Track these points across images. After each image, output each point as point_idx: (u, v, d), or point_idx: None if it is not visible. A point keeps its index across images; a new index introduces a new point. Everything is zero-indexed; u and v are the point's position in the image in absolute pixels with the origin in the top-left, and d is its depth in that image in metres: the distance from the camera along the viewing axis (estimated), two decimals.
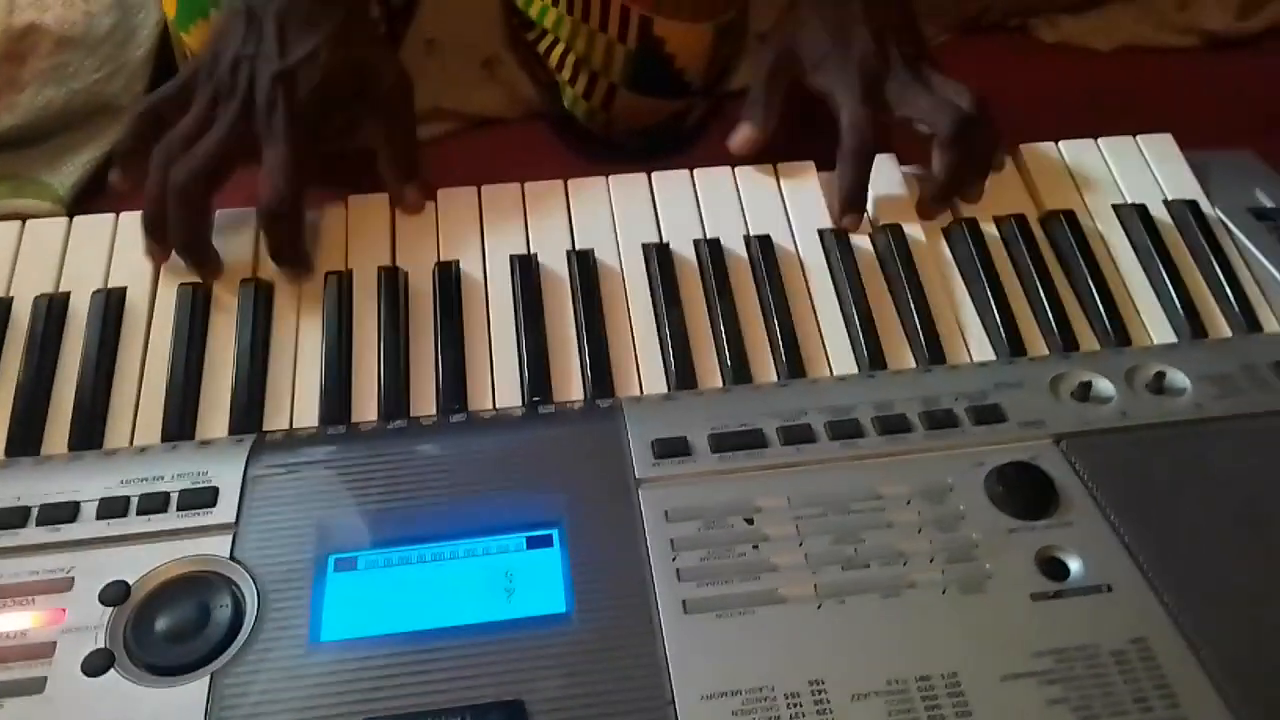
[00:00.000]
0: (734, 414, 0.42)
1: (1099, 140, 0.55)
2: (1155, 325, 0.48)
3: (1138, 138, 0.55)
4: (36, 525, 0.38)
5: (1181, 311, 0.48)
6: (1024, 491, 0.39)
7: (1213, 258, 0.50)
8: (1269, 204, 0.53)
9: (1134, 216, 0.51)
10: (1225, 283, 0.49)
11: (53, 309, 0.46)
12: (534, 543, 0.38)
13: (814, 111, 0.53)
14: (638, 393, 0.45)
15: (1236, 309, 0.48)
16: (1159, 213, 0.52)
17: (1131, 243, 0.51)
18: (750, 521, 0.38)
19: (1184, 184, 0.53)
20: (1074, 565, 0.37)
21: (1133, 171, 0.53)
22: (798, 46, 0.53)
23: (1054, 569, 0.37)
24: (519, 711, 0.33)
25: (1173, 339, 0.47)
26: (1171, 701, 0.33)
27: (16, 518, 0.38)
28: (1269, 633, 0.35)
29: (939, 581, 0.36)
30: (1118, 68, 0.72)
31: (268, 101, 0.46)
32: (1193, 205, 0.51)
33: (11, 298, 0.46)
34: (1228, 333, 0.48)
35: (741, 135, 0.53)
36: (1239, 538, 0.38)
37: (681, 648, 0.34)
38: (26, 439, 0.42)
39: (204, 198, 0.46)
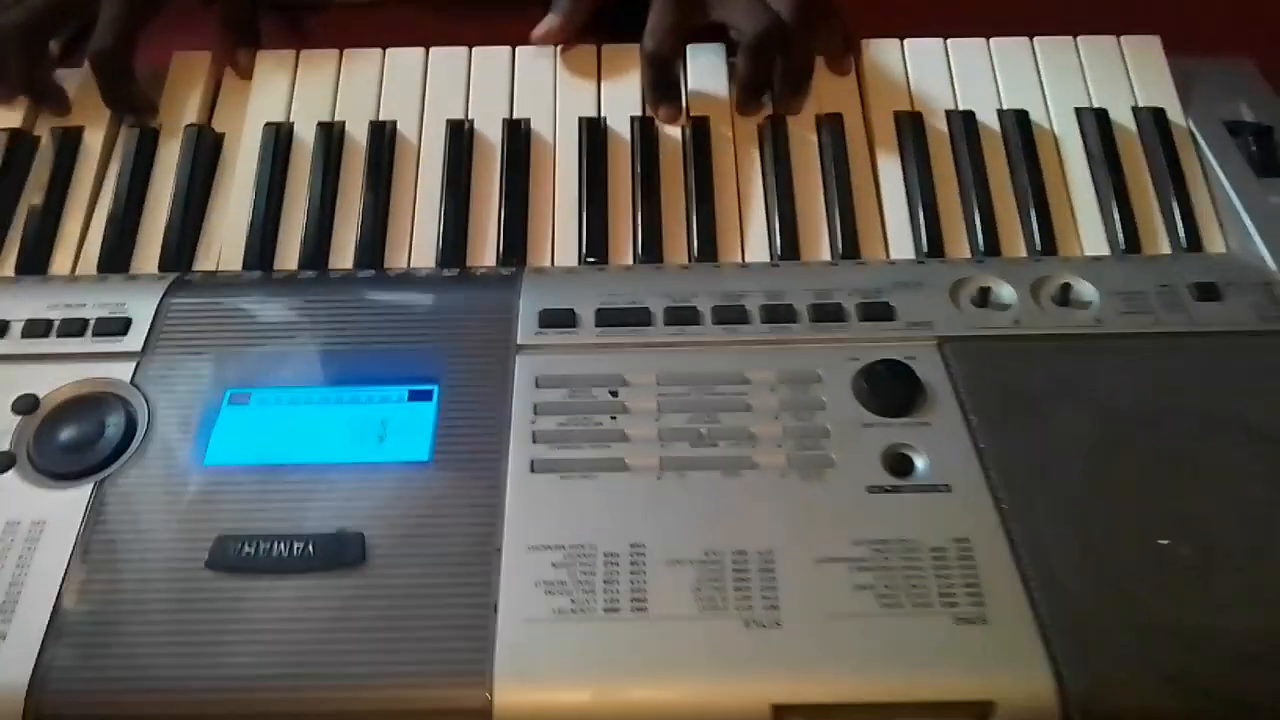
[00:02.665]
0: (628, 292, 0.43)
1: (1078, 39, 0.52)
2: (1090, 236, 0.46)
3: (1121, 39, 0.52)
4: None
5: (1119, 224, 0.46)
6: (888, 389, 0.39)
7: (1167, 171, 0.47)
8: (1250, 118, 0.50)
9: (1092, 121, 0.49)
10: (1174, 198, 0.47)
11: (20, 144, 0.49)
12: (415, 395, 0.40)
13: None
14: (548, 264, 0.46)
15: (1180, 226, 0.46)
16: (1123, 119, 0.49)
17: (1086, 148, 0.49)
18: (615, 394, 0.39)
19: (1158, 91, 0.50)
20: (920, 464, 0.38)
21: (1107, 74, 0.51)
22: None
23: (899, 465, 0.38)
24: (358, 542, 0.36)
25: (1105, 251, 0.46)
26: (976, 600, 0.34)
27: None
28: (1095, 551, 0.35)
29: (780, 466, 0.37)
30: None
31: None
32: (1158, 113, 0.49)
33: None
34: (1168, 250, 0.46)
35: (543, 28, 0.51)
36: (1094, 456, 0.38)
37: (519, 503, 0.37)
38: None
39: (37, 39, 0.49)
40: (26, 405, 0.39)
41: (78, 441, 0.38)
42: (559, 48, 0.52)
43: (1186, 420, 0.39)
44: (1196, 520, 0.37)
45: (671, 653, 0.33)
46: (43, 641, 0.33)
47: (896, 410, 0.39)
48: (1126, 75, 0.51)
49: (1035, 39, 0.52)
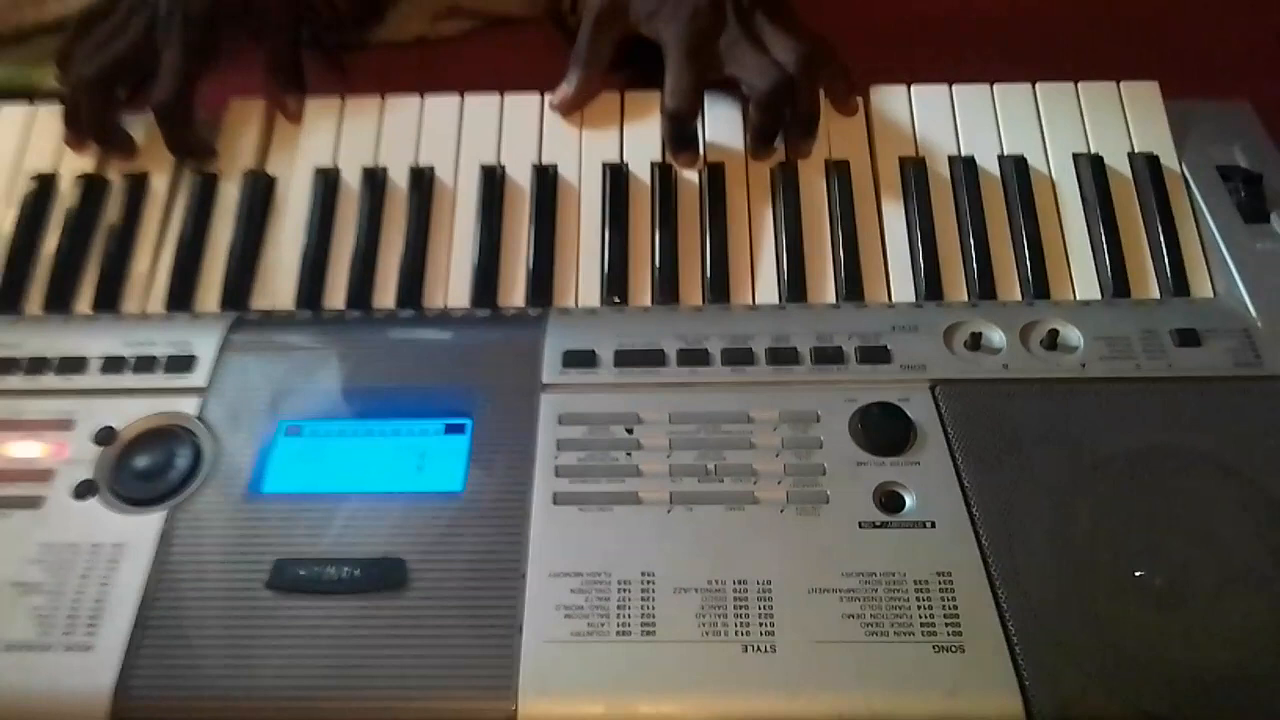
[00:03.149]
0: (644, 333, 0.47)
1: (1079, 85, 0.54)
2: (1082, 280, 0.49)
3: (1121, 84, 0.54)
4: (55, 374, 0.46)
5: (1110, 269, 0.49)
6: (882, 430, 0.43)
7: (1158, 216, 0.50)
8: (1242, 163, 0.52)
9: (1088, 167, 0.51)
10: (1164, 243, 0.49)
11: (89, 190, 0.53)
12: (450, 429, 0.45)
13: None
14: (573, 304, 0.50)
15: (1169, 271, 0.49)
16: (1118, 165, 0.52)
17: (1082, 194, 0.51)
18: (630, 431, 0.43)
19: (1154, 137, 0.53)
20: (909, 501, 0.41)
21: (1105, 120, 0.53)
22: None
23: (890, 502, 0.41)
24: (399, 567, 0.40)
25: (1096, 295, 0.49)
26: (955, 630, 0.38)
27: (40, 366, 0.46)
28: (1069, 583, 0.39)
29: (779, 501, 0.41)
30: None
31: (167, 13, 0.52)
32: (1152, 160, 0.51)
33: (56, 174, 0.54)
34: (1156, 294, 0.49)
35: (560, 94, 0.55)
36: (1072, 494, 0.41)
37: (543, 532, 0.41)
38: (59, 300, 0.50)
39: (106, 92, 0.53)
40: (105, 437, 0.44)
41: (151, 471, 0.43)
42: None
43: (1161, 461, 0.42)
44: (1167, 556, 0.40)
45: (676, 673, 0.37)
46: (124, 652, 0.38)
47: (889, 450, 0.42)
48: (1124, 121, 0.53)
49: (1037, 85, 0.54)
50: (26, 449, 0.44)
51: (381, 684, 0.38)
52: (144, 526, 0.41)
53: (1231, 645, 0.38)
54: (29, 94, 0.66)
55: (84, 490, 0.43)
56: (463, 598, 0.39)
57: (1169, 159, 0.52)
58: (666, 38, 0.52)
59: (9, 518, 0.42)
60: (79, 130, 0.54)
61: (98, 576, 0.40)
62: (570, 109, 0.55)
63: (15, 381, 0.46)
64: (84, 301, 0.51)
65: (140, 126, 0.55)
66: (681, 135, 0.52)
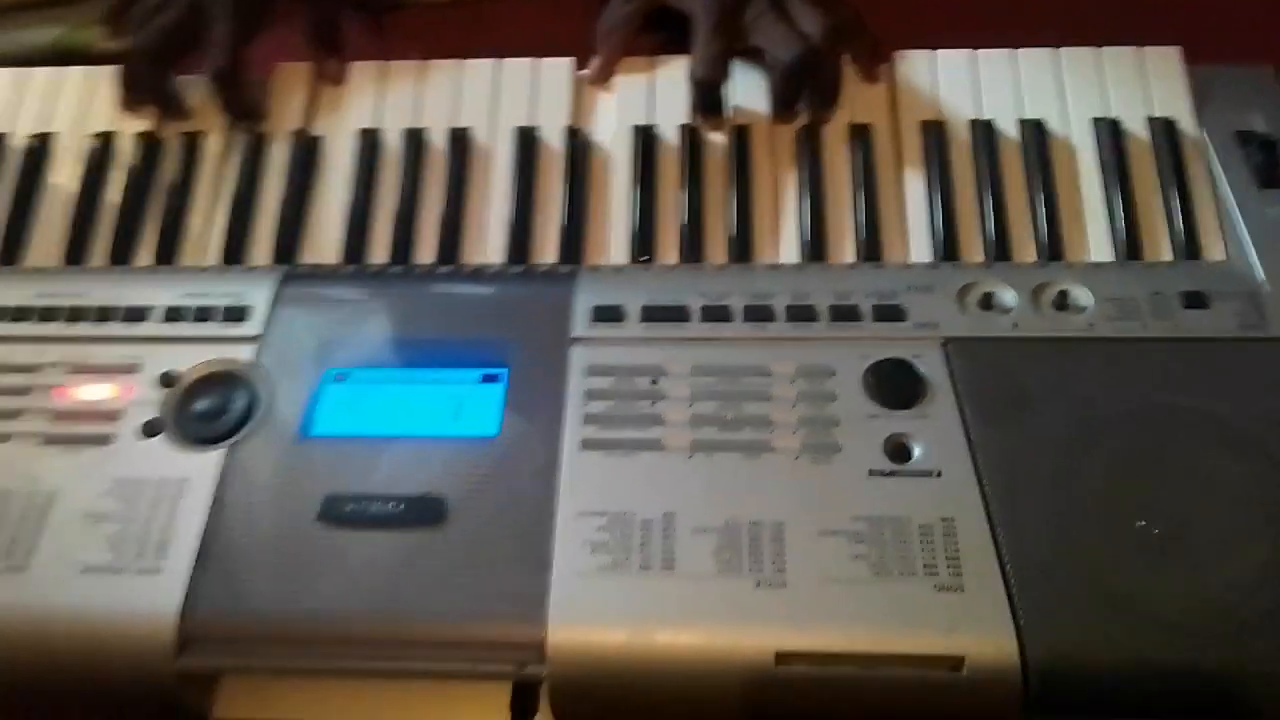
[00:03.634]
0: (670, 290, 0.49)
1: (1102, 50, 0.55)
2: (1097, 243, 0.51)
3: (1144, 50, 0.55)
4: (121, 321, 0.50)
5: (1124, 231, 0.50)
6: (894, 384, 0.45)
7: (1174, 180, 0.51)
8: (1261, 129, 0.53)
9: (1106, 131, 0.53)
10: (1177, 207, 0.51)
11: (148, 150, 0.56)
12: (487, 378, 0.48)
13: None
14: (602, 261, 0.52)
15: (1181, 234, 0.50)
16: (1137, 129, 0.53)
17: (1099, 158, 0.53)
18: (655, 382, 0.46)
19: (1173, 102, 0.54)
20: (917, 451, 0.43)
21: (1126, 84, 0.54)
22: None
23: (898, 453, 0.43)
24: (439, 503, 0.43)
25: (1110, 257, 0.50)
26: (955, 571, 0.40)
27: (106, 314, 0.50)
28: (1066, 531, 0.41)
29: (794, 449, 0.43)
30: None
31: None
32: (1168, 124, 0.53)
33: (114, 133, 0.57)
34: (1169, 256, 0.50)
35: (592, 69, 0.57)
36: (1073, 448, 0.43)
37: (572, 474, 0.43)
38: (123, 253, 0.54)
39: (162, 58, 0.56)
40: (169, 381, 0.47)
41: (211, 413, 0.46)
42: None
43: (1161, 418, 0.44)
44: (1166, 509, 0.42)
45: (693, 605, 0.40)
46: (189, 576, 0.42)
47: (899, 403, 0.44)
48: (1144, 86, 0.54)
49: (1060, 50, 0.55)
50: (97, 391, 0.47)
51: (421, 610, 0.41)
52: (205, 463, 0.45)
53: (1225, 594, 0.40)
54: (80, 54, 0.69)
55: (150, 429, 0.46)
56: (498, 533, 0.42)
57: (1187, 124, 0.53)
58: (694, 8, 0.54)
59: (82, 453, 0.45)
60: (137, 95, 0.57)
61: (164, 508, 0.44)
62: (602, 80, 0.57)
63: (84, 328, 0.50)
64: (144, 255, 0.54)
65: (193, 88, 0.58)
66: (709, 102, 0.54)
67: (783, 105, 0.54)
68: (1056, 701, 0.38)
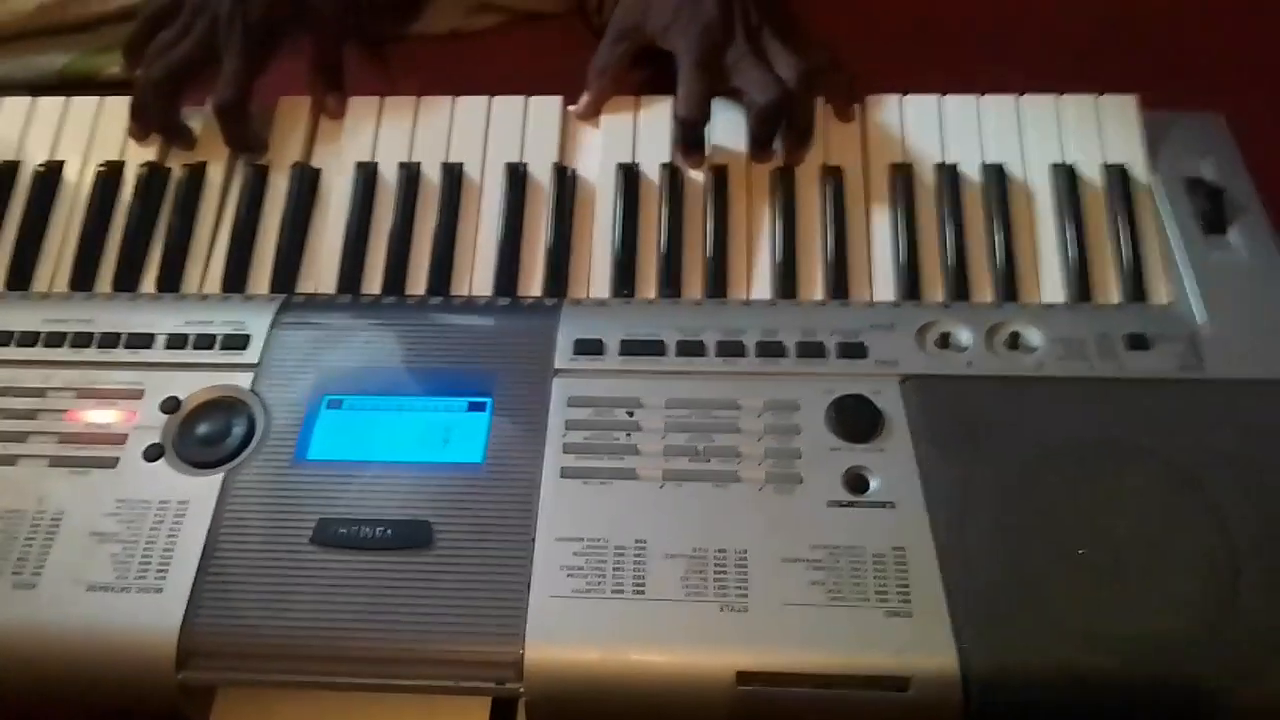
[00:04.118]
0: (648, 324, 0.52)
1: (1059, 98, 0.58)
2: (1050, 284, 0.54)
3: (1098, 98, 0.58)
4: (124, 348, 0.52)
5: (1075, 274, 0.53)
6: (853, 419, 0.48)
7: (1123, 225, 0.54)
8: (1210, 176, 0.56)
9: (1063, 176, 0.56)
10: (1128, 251, 0.54)
11: (153, 178, 0.59)
12: (473, 406, 0.50)
13: None
14: (585, 294, 0.55)
15: (1131, 277, 0.53)
16: (1092, 175, 0.56)
17: (1055, 203, 0.56)
18: (631, 414, 0.49)
19: (1126, 148, 0.57)
20: (873, 483, 0.46)
21: (1082, 131, 0.57)
22: (649, 8, 0.58)
23: (856, 484, 0.46)
24: (425, 528, 0.46)
25: (1062, 299, 0.53)
26: (905, 598, 0.43)
27: (112, 340, 0.52)
28: (1011, 560, 0.44)
29: (759, 480, 0.46)
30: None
31: (228, 19, 0.57)
32: (1122, 170, 0.56)
33: (123, 162, 0.60)
34: (1117, 299, 0.53)
35: (580, 105, 0.60)
36: (1020, 481, 0.46)
37: (551, 501, 0.46)
38: (128, 280, 0.56)
39: (173, 89, 0.58)
40: (171, 406, 0.50)
41: (211, 437, 0.49)
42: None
43: (1103, 454, 0.47)
44: (1105, 538, 0.45)
45: (661, 627, 0.43)
46: (189, 594, 0.44)
47: (858, 437, 0.47)
48: (1100, 133, 0.57)
49: (1021, 97, 0.58)
50: (103, 415, 0.50)
51: (407, 628, 0.44)
52: (205, 486, 0.48)
53: (1157, 616, 0.43)
54: (88, 81, 0.72)
55: (153, 453, 0.49)
56: (480, 556, 0.45)
57: (1139, 170, 0.56)
58: (679, 50, 0.57)
59: (88, 475, 0.48)
60: (145, 124, 0.59)
61: (166, 529, 0.46)
62: (591, 115, 0.60)
63: (90, 354, 0.52)
64: (148, 282, 0.56)
65: (198, 120, 0.60)
66: (691, 140, 0.57)
67: (758, 146, 0.57)
68: (996, 715, 0.41)
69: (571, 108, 0.60)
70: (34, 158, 0.60)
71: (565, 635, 0.43)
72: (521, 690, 0.42)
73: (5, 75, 0.71)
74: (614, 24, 0.60)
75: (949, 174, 0.56)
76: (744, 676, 0.42)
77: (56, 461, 0.49)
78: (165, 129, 0.59)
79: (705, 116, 0.57)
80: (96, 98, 0.62)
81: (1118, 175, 0.56)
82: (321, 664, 0.44)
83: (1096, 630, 0.43)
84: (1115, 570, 0.44)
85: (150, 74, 0.58)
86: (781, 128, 0.56)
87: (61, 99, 0.62)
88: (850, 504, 0.46)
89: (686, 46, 0.57)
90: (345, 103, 0.61)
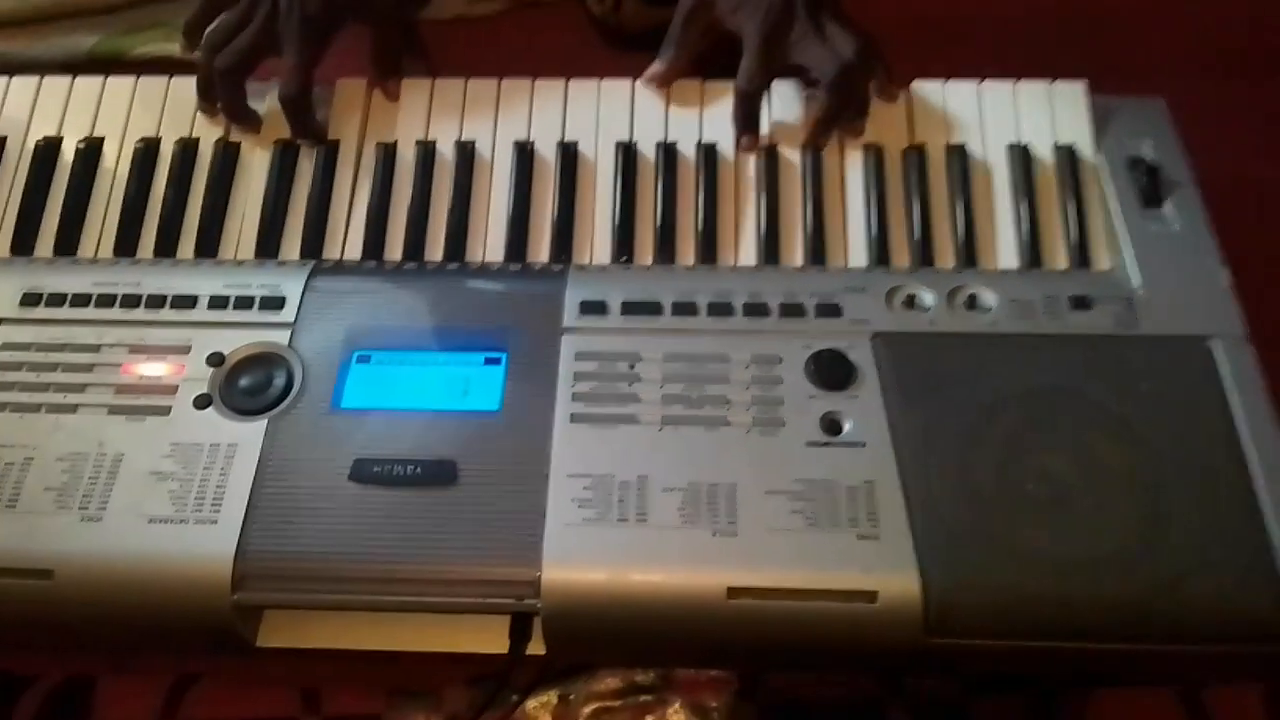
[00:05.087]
0: (645, 288, 0.58)
1: (1016, 83, 0.64)
2: (1004, 252, 0.60)
3: (1052, 84, 0.64)
4: (170, 308, 0.58)
5: (1028, 244, 0.60)
6: (829, 370, 0.54)
7: (1071, 200, 0.60)
8: (1148, 156, 0.62)
9: (1018, 156, 0.62)
10: (1074, 223, 0.60)
11: (186, 151, 0.64)
12: (489, 361, 0.56)
13: None
14: (588, 261, 0.61)
15: (1077, 247, 0.59)
16: (1044, 154, 0.62)
17: (1010, 179, 0.62)
18: (632, 367, 0.55)
19: (1075, 129, 0.63)
20: (846, 426, 0.52)
21: (1036, 114, 0.63)
22: None
23: (831, 427, 0.52)
24: (450, 466, 0.52)
25: (1015, 265, 0.60)
26: (873, 524, 0.49)
27: (159, 302, 0.58)
28: (966, 492, 0.50)
29: (746, 423, 0.52)
30: None
31: (287, 10, 0.61)
32: (1070, 150, 0.62)
33: (159, 138, 0.64)
34: (1064, 265, 0.59)
35: (651, 71, 0.64)
36: (977, 426, 0.52)
37: (562, 443, 0.52)
38: (167, 246, 0.61)
39: (238, 77, 0.62)
40: (216, 360, 0.55)
41: (254, 388, 0.54)
42: (602, 83, 0.65)
43: (1048, 401, 0.53)
44: (1048, 474, 0.51)
45: (660, 550, 0.49)
46: (241, 525, 0.50)
47: (834, 386, 0.53)
48: (1052, 116, 0.63)
49: (982, 83, 0.64)
50: (154, 368, 0.55)
51: (435, 553, 0.49)
52: (251, 431, 0.53)
53: (1095, 541, 0.49)
54: (115, 61, 0.76)
55: (202, 402, 0.54)
56: (500, 492, 0.51)
57: (1086, 151, 0.62)
58: (746, 29, 0.61)
59: (144, 421, 0.53)
60: (212, 104, 0.64)
61: (218, 468, 0.52)
62: (660, 85, 0.64)
63: (139, 313, 0.57)
64: (186, 248, 0.62)
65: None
66: (748, 113, 0.62)
67: (829, 116, 0.61)
68: (951, 627, 0.48)
69: (640, 80, 0.64)
70: (74, 134, 0.65)
71: (577, 558, 0.49)
72: (539, 606, 0.48)
73: (37, 55, 0.76)
74: (683, 4, 0.64)
75: (915, 153, 0.62)
76: (734, 591, 0.48)
77: (114, 410, 0.54)
78: (232, 114, 0.64)
79: (764, 90, 0.62)
80: (131, 78, 0.66)
81: (1066, 155, 0.62)
82: (360, 585, 0.49)
83: (1039, 554, 0.49)
84: (1056, 502, 0.50)
85: (219, 61, 0.62)
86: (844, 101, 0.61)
87: (99, 79, 0.66)
88: (826, 444, 0.52)
89: (753, 26, 0.61)
90: (400, 85, 0.66)
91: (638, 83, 0.65)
